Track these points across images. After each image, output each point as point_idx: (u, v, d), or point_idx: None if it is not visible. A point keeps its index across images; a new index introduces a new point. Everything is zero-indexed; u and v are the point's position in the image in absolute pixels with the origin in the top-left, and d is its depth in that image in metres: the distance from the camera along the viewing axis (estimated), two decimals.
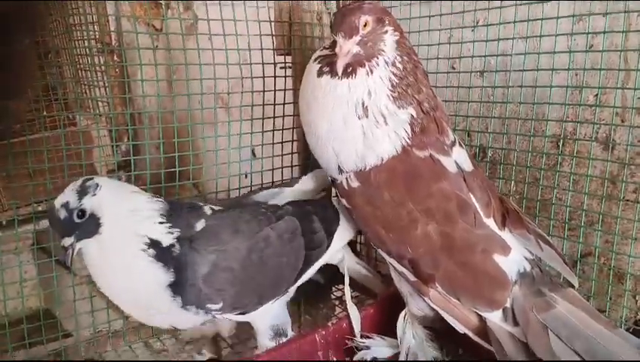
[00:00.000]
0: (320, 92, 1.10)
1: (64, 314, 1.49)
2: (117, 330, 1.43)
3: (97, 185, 1.05)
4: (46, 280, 1.44)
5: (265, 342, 1.23)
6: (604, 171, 1.24)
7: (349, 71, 1.06)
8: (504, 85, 1.38)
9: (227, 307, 1.11)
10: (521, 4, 1.32)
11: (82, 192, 1.04)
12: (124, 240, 1.05)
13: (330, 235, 1.28)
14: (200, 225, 1.11)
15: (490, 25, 1.38)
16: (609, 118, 1.24)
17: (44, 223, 1.43)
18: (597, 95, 1.26)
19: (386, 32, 1.07)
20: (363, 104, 1.07)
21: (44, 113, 2.01)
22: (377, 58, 1.06)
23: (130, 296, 1.09)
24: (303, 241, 1.22)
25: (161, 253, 1.05)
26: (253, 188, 1.47)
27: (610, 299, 1.24)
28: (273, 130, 1.61)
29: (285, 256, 1.19)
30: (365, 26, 1.03)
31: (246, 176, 1.61)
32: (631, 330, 1.20)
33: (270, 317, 1.23)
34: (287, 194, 1.35)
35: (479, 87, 1.45)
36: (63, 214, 1.02)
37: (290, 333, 1.25)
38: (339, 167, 1.13)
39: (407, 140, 1.09)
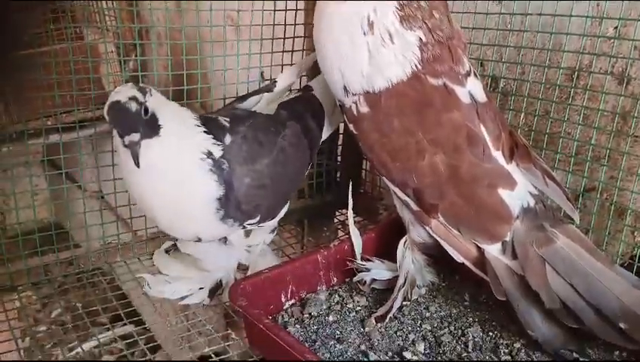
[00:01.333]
0: (328, 7, 1.09)
1: (74, 225, 1.54)
2: (126, 243, 1.48)
3: (149, 89, 1.03)
4: (56, 193, 1.47)
5: (264, 236, 1.34)
6: (616, 106, 1.22)
7: None
8: (523, 13, 1.33)
9: (263, 219, 1.19)
10: None
11: (142, 90, 1.01)
12: (183, 146, 1.05)
13: (320, 129, 1.35)
14: (227, 139, 1.12)
15: None
16: (627, 51, 1.20)
17: (54, 137, 1.44)
18: (617, 27, 1.22)
19: None
20: (369, 19, 1.05)
21: (52, 26, 1.97)
22: None
23: (172, 203, 1.08)
24: (306, 141, 1.29)
25: (215, 164, 1.07)
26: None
27: (609, 233, 1.26)
28: (282, 52, 1.58)
29: (298, 160, 1.27)
30: None
31: None
32: (626, 264, 1.22)
33: (276, 219, 1.32)
34: (268, 98, 1.36)
35: (497, 14, 1.40)
36: (134, 107, 0.98)
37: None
38: (345, 88, 1.11)
39: (417, 65, 1.07)
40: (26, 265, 1.37)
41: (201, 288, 1.30)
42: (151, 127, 1.01)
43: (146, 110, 1.00)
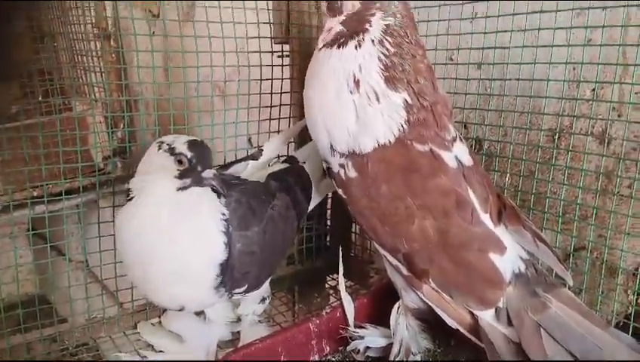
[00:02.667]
0: (317, 64, 1.13)
1: (59, 299, 1.50)
2: (111, 317, 1.44)
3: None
4: (41, 266, 1.44)
5: (254, 306, 1.29)
6: (599, 166, 1.24)
7: (341, 41, 1.09)
8: (501, 78, 1.38)
9: (250, 287, 1.16)
10: None
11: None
12: (211, 202, 1.07)
13: (308, 201, 1.36)
14: (222, 200, 1.12)
15: (488, 17, 1.38)
16: (606, 112, 1.24)
17: (40, 208, 1.43)
18: (594, 89, 1.26)
19: (374, 14, 1.08)
20: (354, 77, 1.08)
21: (40, 98, 2.00)
22: (363, 34, 1.08)
23: (178, 262, 1.04)
24: (294, 213, 1.28)
25: (227, 226, 1.06)
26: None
27: (602, 292, 1.25)
28: (269, 119, 1.60)
29: (286, 230, 1.26)
30: (353, 7, 1.08)
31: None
32: (621, 324, 1.21)
33: (264, 289, 1.29)
34: (254, 166, 1.38)
35: (477, 80, 1.45)
36: (189, 154, 1.03)
37: (269, 296, 1.34)
38: (331, 146, 1.12)
39: (404, 126, 1.08)
40: (9, 344, 1.32)
41: None
42: (198, 177, 1.04)
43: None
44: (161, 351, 1.31)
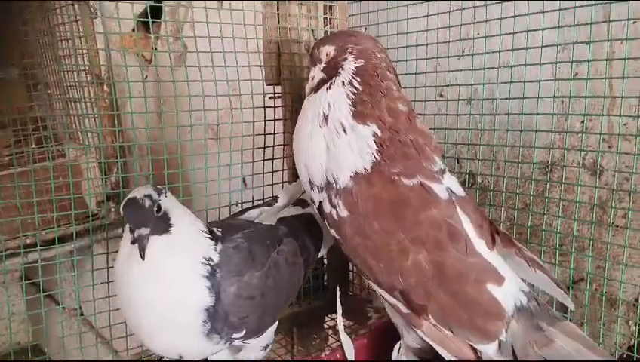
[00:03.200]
0: (302, 111, 1.21)
1: (53, 349, 1.47)
2: None
3: (163, 189, 1.08)
4: (34, 315, 1.42)
5: (256, 353, 1.25)
6: (592, 197, 1.25)
7: (317, 88, 1.18)
8: (491, 113, 1.40)
9: (249, 333, 1.13)
10: (505, 35, 1.34)
11: (158, 191, 1.06)
12: (189, 247, 1.06)
13: (317, 249, 1.35)
14: (218, 247, 1.11)
15: (475, 54, 1.40)
16: (596, 144, 1.25)
17: (33, 256, 1.42)
18: (583, 122, 1.28)
19: (346, 59, 1.15)
20: (324, 114, 1.14)
21: (33, 146, 2.00)
22: (335, 78, 1.16)
23: (160, 310, 1.04)
24: (301, 260, 1.27)
25: (211, 271, 1.06)
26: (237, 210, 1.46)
27: (604, 324, 1.24)
28: (263, 160, 1.61)
29: (291, 276, 1.24)
30: (327, 55, 1.18)
31: (237, 205, 1.61)
32: (624, 356, 1.19)
33: (268, 336, 1.25)
34: (268, 214, 1.38)
35: (467, 115, 1.46)
36: (147, 203, 1.02)
37: (272, 341, 1.28)
38: (309, 180, 1.16)
39: (376, 156, 1.11)
40: None
41: None
42: (162, 224, 1.04)
43: (159, 208, 1.04)
44: None
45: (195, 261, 1.05)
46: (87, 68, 1.70)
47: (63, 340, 1.39)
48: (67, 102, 1.98)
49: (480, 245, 1.11)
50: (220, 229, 1.17)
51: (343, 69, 1.15)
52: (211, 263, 1.06)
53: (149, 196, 1.03)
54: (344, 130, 1.12)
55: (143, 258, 1.00)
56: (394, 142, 1.11)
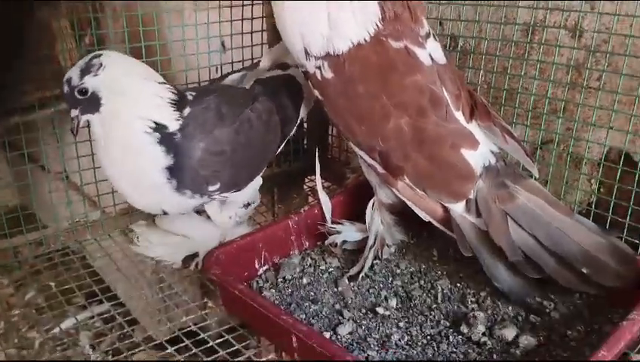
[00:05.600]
0: None
1: (40, 207, 1.52)
2: (94, 220, 1.47)
3: (101, 65, 1.09)
4: (19, 176, 1.44)
5: (237, 210, 1.35)
6: (570, 59, 1.25)
7: None
8: None
9: (224, 186, 1.20)
10: None
11: (85, 71, 1.09)
12: (126, 121, 1.10)
13: (297, 109, 1.37)
14: (186, 111, 1.15)
15: None
16: (579, 5, 1.23)
17: (13, 119, 1.42)
18: None
19: None
20: None
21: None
22: None
23: (127, 173, 1.14)
24: (278, 118, 1.30)
25: (165, 137, 1.11)
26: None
27: (567, 183, 1.31)
28: (242, 19, 1.56)
29: (266, 134, 1.28)
30: None
31: (217, 70, 1.59)
32: (584, 212, 1.28)
33: (248, 193, 1.33)
34: (250, 77, 1.38)
35: None
36: (65, 89, 1.09)
37: (257, 201, 1.41)
38: (305, 51, 1.12)
39: (379, 24, 1.08)
40: None
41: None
42: (92, 104, 1.09)
43: (84, 91, 1.08)
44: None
45: (136, 132, 1.10)
46: None
47: (50, 197, 1.43)
48: None
49: (457, 115, 1.14)
50: (193, 93, 1.21)
51: None
52: (166, 130, 1.11)
53: (68, 81, 1.08)
54: None
55: (74, 136, 1.13)
56: (394, 5, 1.09)
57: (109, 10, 1.46)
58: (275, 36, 1.53)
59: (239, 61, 1.59)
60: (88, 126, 1.14)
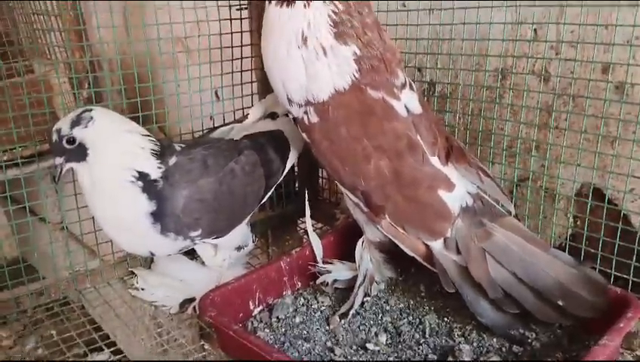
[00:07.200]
0: (269, 20, 1.19)
1: (41, 259, 1.56)
2: (93, 269, 1.51)
3: (91, 118, 1.18)
4: (20, 229, 1.49)
5: (230, 252, 1.44)
6: (539, 102, 1.34)
7: (290, 0, 1.13)
8: (450, 23, 1.44)
9: (205, 233, 1.28)
10: None
11: (75, 122, 1.18)
12: (111, 171, 1.19)
13: (284, 162, 1.45)
14: (172, 160, 1.24)
15: None
16: (544, 51, 1.33)
17: (13, 172, 1.48)
18: (535, 29, 1.34)
19: None
20: (302, 34, 1.13)
21: (1, 61, 1.99)
22: None
23: (113, 220, 1.23)
24: (262, 171, 1.38)
25: (147, 184, 1.19)
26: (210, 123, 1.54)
27: (545, 217, 1.38)
28: (232, 72, 1.65)
29: (249, 186, 1.36)
30: None
31: (211, 118, 1.67)
32: (563, 245, 1.34)
33: (236, 238, 1.42)
34: (239, 130, 1.48)
35: (427, 25, 1.51)
36: (54, 138, 1.18)
37: (251, 245, 1.51)
38: (287, 97, 1.20)
39: (357, 76, 1.16)
40: None
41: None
42: (78, 153, 1.18)
43: (72, 140, 1.17)
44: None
45: (120, 180, 1.19)
46: None
47: (51, 247, 1.48)
48: (31, 14, 1.95)
49: (433, 160, 1.21)
50: (182, 145, 1.31)
51: None
52: (148, 177, 1.19)
53: (58, 131, 1.18)
54: (324, 52, 1.14)
55: (56, 183, 1.21)
56: (370, 58, 1.16)
57: (106, 66, 1.55)
58: (264, 88, 1.61)
59: (231, 111, 1.67)
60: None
